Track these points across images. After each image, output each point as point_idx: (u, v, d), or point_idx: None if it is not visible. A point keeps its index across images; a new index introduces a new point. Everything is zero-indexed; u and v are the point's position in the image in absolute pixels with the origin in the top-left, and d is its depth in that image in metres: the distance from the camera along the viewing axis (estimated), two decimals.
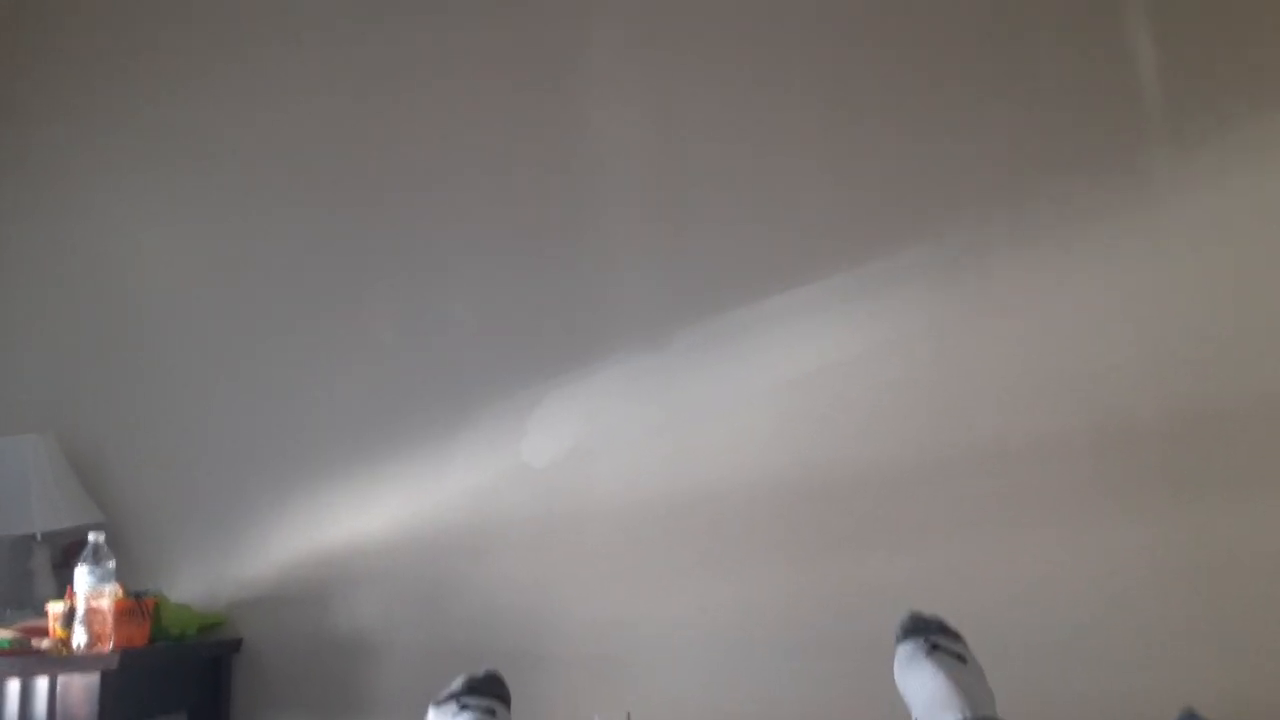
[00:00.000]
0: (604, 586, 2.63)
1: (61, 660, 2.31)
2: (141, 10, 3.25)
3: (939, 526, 2.50)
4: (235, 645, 2.75)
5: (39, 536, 2.76)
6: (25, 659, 2.32)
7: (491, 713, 1.69)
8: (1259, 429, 2.40)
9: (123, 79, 3.21)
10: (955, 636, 1.80)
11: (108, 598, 2.37)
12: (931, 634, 1.78)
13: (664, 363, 2.73)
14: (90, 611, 2.35)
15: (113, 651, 2.31)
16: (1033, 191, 2.61)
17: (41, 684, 2.29)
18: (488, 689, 1.73)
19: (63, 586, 2.56)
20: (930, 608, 1.91)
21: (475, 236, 2.90)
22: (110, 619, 2.35)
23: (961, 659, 1.73)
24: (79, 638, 2.34)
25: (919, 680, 1.71)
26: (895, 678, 1.80)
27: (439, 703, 1.72)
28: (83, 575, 2.37)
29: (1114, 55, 2.64)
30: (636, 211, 2.82)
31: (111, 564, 2.41)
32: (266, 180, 3.06)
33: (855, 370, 2.61)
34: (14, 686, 2.30)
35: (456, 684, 1.75)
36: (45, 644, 2.39)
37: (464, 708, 1.68)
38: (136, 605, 2.43)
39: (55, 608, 2.42)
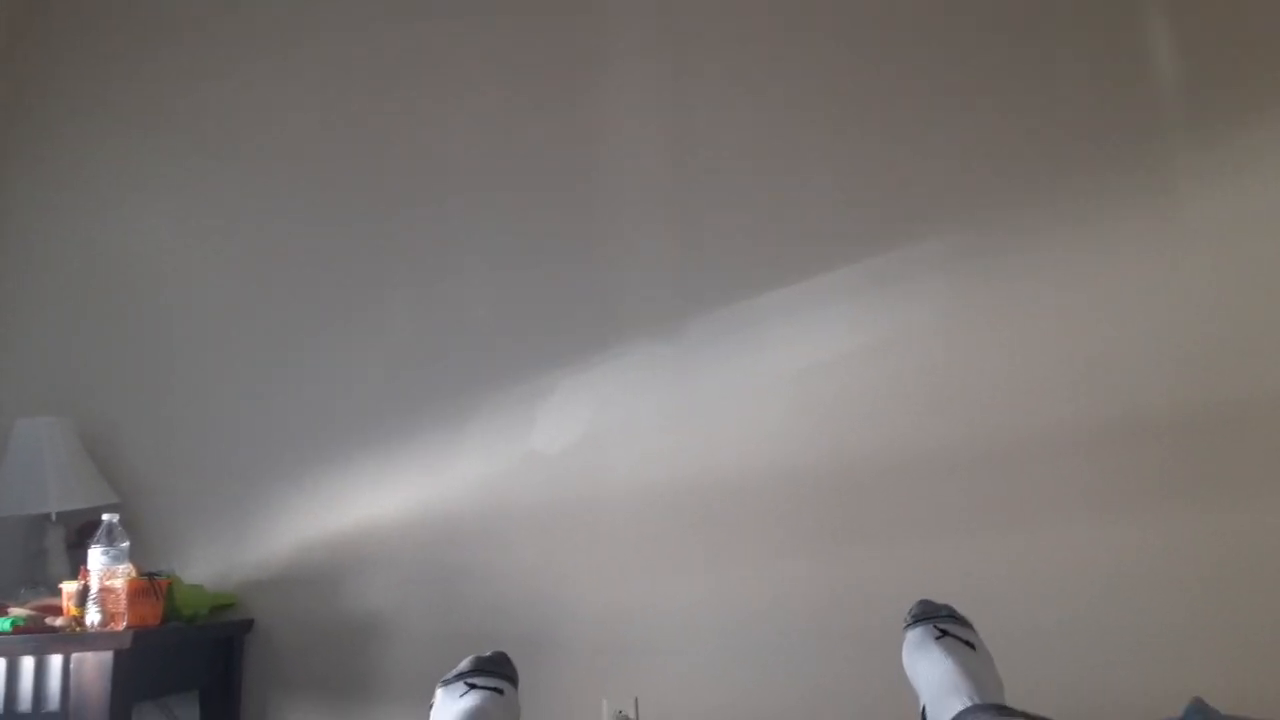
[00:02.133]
0: (614, 573, 2.64)
1: (75, 638, 2.32)
2: (163, 10, 3.26)
3: (947, 518, 2.50)
4: (247, 626, 2.76)
5: (54, 516, 2.77)
6: (39, 637, 2.34)
7: (499, 692, 1.69)
8: (1263, 430, 2.39)
9: (143, 75, 3.22)
10: (965, 623, 1.80)
11: (121, 577, 2.38)
12: (941, 620, 1.78)
13: (676, 353, 2.73)
14: (104, 591, 2.37)
15: (126, 630, 2.32)
16: (1046, 187, 2.60)
17: (55, 661, 2.31)
18: (495, 669, 1.73)
19: (76, 566, 2.57)
20: (938, 598, 1.90)
21: (491, 226, 2.90)
22: (124, 598, 2.36)
23: (971, 645, 1.73)
24: (93, 616, 2.35)
25: (927, 665, 1.70)
26: (904, 662, 1.80)
27: (446, 682, 1.72)
28: (97, 555, 2.38)
29: (1130, 51, 2.62)
30: (650, 204, 2.82)
31: (125, 544, 2.42)
32: (285, 172, 3.07)
33: (866, 363, 2.61)
34: (28, 664, 2.32)
35: (464, 664, 1.75)
36: (59, 622, 2.41)
37: (471, 687, 1.68)
38: (150, 585, 2.45)
39: (70, 587, 2.44)
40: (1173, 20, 2.62)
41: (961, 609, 1.86)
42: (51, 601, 2.50)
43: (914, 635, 1.78)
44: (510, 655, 1.84)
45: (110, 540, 2.40)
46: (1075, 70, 2.64)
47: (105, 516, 2.44)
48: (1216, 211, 2.51)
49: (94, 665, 2.29)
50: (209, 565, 2.83)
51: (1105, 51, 2.64)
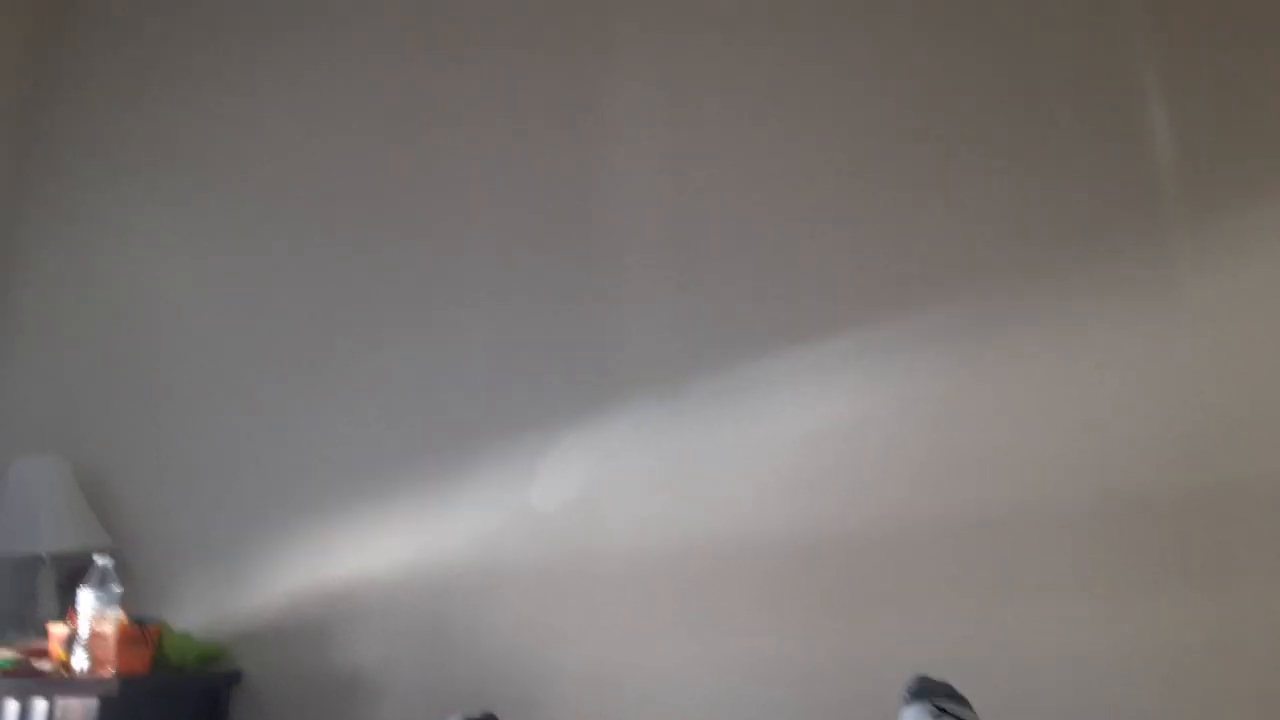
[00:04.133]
0: (606, 635, 2.61)
1: (61, 683, 2.30)
2: (170, 39, 3.30)
3: (944, 591, 2.48)
4: (235, 677, 2.73)
5: (46, 558, 2.76)
6: (25, 680, 2.31)
7: None
8: (1261, 511, 2.38)
9: (145, 116, 3.26)
10: (962, 702, 1.78)
11: (111, 623, 2.36)
12: (938, 698, 1.76)
13: (674, 414, 2.73)
14: (93, 636, 2.35)
15: (113, 677, 2.30)
16: (1048, 262, 2.61)
17: (40, 706, 2.28)
18: None
19: (66, 609, 2.55)
20: (933, 672, 1.89)
21: (491, 281, 2.91)
22: (112, 644, 2.34)
23: None
24: (80, 661, 2.33)
25: None
26: None
27: None
28: (87, 599, 2.37)
29: (1131, 128, 2.65)
30: (652, 263, 2.84)
31: (117, 589, 2.40)
32: (286, 216, 3.09)
33: (863, 430, 2.60)
34: (12, 707, 2.29)
35: None
36: (46, 666, 2.38)
37: None
38: (139, 632, 2.43)
39: (58, 630, 2.41)
40: (1173, 99, 2.65)
41: (957, 685, 1.84)
42: (39, 645, 2.47)
43: (911, 713, 1.76)
44: (498, 715, 1.82)
45: (101, 584, 2.38)
46: (1078, 146, 2.67)
47: (98, 559, 2.42)
48: (1216, 290, 2.52)
49: (79, 711, 2.26)
50: (199, 614, 2.80)
51: (1108, 128, 2.67)
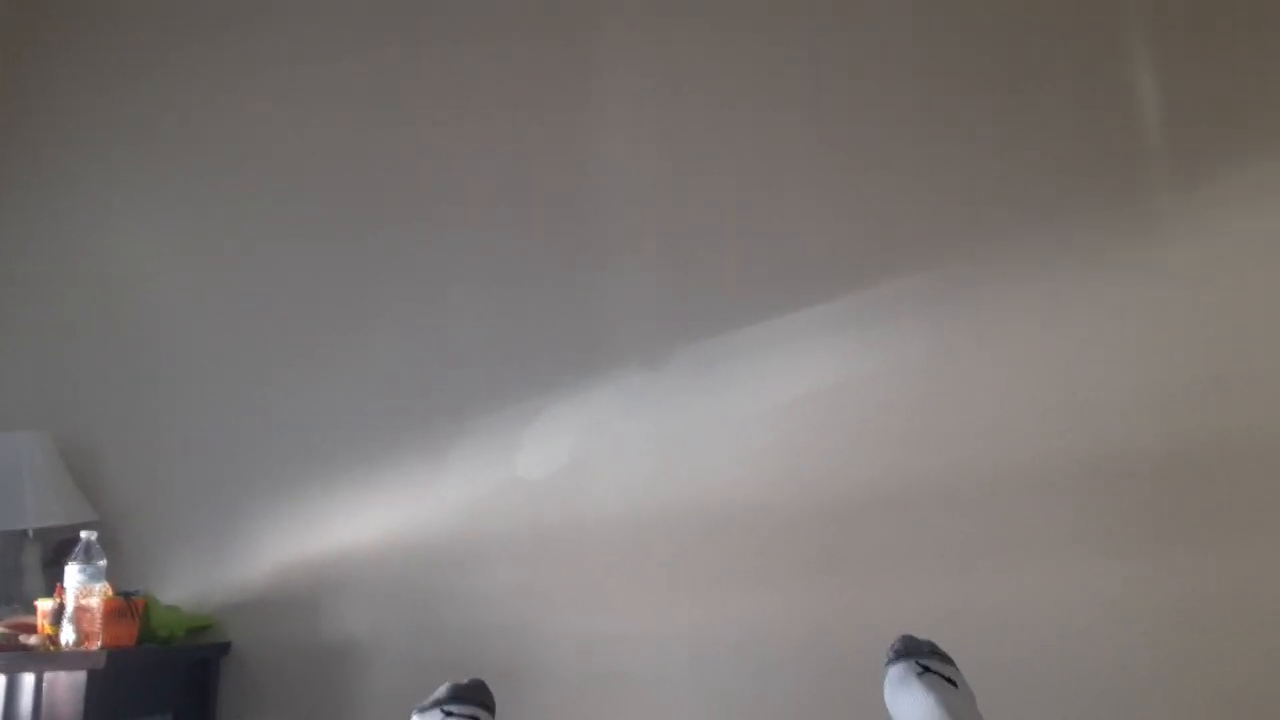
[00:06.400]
0: (596, 602, 2.62)
1: (49, 657, 2.30)
2: (158, 27, 3.27)
3: (931, 554, 2.49)
4: (223, 648, 2.74)
5: (31, 533, 2.75)
6: (12, 655, 2.31)
7: None
8: (1249, 469, 2.39)
9: (133, 91, 3.22)
10: (947, 660, 1.78)
11: (97, 596, 2.36)
12: (923, 656, 1.76)
13: (661, 381, 2.72)
14: (79, 610, 2.34)
15: (100, 650, 2.30)
16: (1032, 225, 2.61)
17: (28, 680, 2.28)
18: (472, 697, 1.71)
19: (52, 584, 2.55)
20: (921, 633, 1.89)
21: (476, 250, 2.90)
22: (99, 618, 2.34)
23: (952, 683, 1.71)
24: (67, 635, 2.33)
25: (909, 702, 1.69)
26: (885, 699, 1.78)
27: (422, 710, 1.70)
28: (73, 573, 2.36)
29: (1116, 92, 2.64)
30: (640, 232, 2.83)
31: (102, 563, 2.40)
32: (272, 187, 3.07)
33: (849, 396, 2.60)
34: (0, 682, 2.29)
35: (441, 691, 1.73)
36: (33, 640, 2.38)
37: (448, 715, 1.66)
38: (126, 605, 2.43)
39: (44, 604, 2.41)
40: (1157, 61, 2.64)
41: (944, 645, 1.84)
42: (26, 619, 2.47)
43: (895, 671, 1.76)
44: (488, 684, 1.82)
45: (87, 558, 2.38)
46: (1061, 108, 2.66)
47: (83, 534, 2.41)
48: (1201, 250, 2.52)
49: (67, 685, 2.26)
50: (187, 586, 2.80)
51: (1091, 90, 2.65)
